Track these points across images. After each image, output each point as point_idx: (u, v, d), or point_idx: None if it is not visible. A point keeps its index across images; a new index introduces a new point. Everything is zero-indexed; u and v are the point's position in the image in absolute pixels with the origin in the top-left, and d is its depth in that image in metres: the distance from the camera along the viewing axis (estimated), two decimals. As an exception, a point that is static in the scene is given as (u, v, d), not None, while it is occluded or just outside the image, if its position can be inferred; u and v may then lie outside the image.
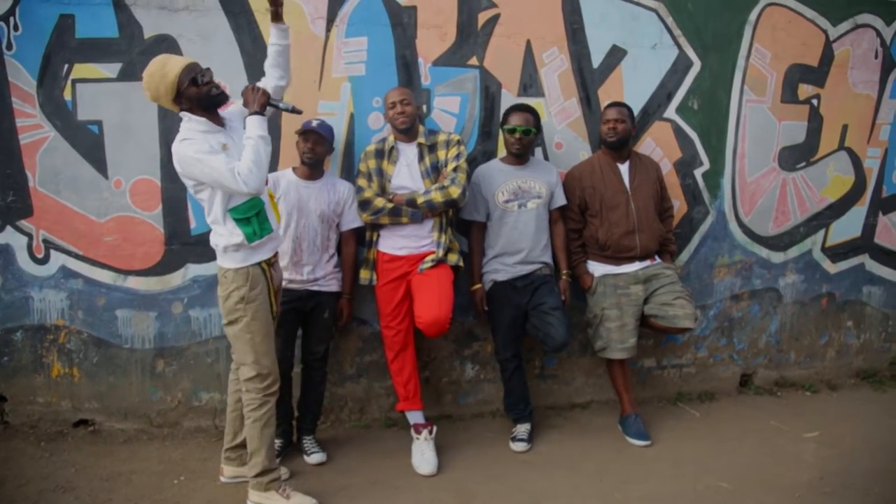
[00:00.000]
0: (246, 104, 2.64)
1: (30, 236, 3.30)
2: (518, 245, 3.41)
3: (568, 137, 3.73)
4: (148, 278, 3.39)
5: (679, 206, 3.92)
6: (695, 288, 3.96)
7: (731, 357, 4.23)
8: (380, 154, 3.26)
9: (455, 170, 3.20)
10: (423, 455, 3.16)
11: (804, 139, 4.14)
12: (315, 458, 3.20)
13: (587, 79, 3.70)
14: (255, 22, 3.28)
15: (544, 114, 3.62)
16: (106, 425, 3.46)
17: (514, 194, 3.40)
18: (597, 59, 3.70)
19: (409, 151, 3.27)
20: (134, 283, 3.38)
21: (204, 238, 2.99)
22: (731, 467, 3.19)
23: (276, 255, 2.83)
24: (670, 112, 3.84)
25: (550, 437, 3.55)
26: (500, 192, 3.40)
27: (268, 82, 2.79)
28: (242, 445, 2.87)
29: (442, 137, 3.30)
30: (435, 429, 3.27)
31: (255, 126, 2.56)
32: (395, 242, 3.28)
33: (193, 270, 3.40)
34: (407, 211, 3.19)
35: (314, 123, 3.12)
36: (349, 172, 3.44)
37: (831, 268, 4.36)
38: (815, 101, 4.11)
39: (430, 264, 3.22)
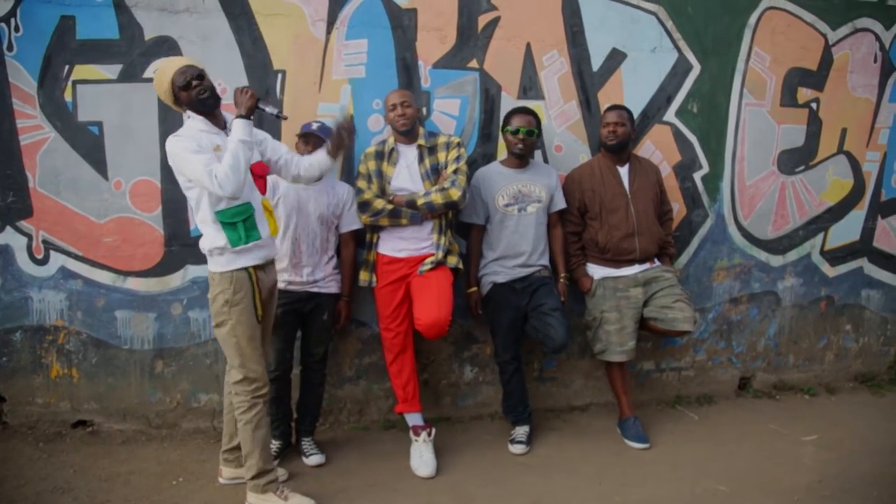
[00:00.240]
0: (236, 105, 2.63)
1: (29, 237, 3.30)
2: (518, 248, 3.41)
3: (567, 140, 3.74)
4: (147, 279, 3.39)
5: (678, 209, 3.92)
6: (694, 291, 3.96)
7: (730, 360, 4.24)
8: (380, 156, 3.26)
9: (455, 172, 3.20)
10: (421, 457, 3.16)
11: (803, 143, 4.14)
12: (314, 459, 3.20)
13: (587, 82, 3.71)
14: (255, 24, 3.29)
15: (544, 117, 3.63)
16: (105, 426, 3.46)
17: (515, 198, 3.41)
18: (597, 62, 3.70)
19: (409, 153, 3.27)
20: (133, 284, 3.38)
21: (203, 240, 3.00)
22: (729, 470, 3.19)
23: (273, 261, 2.83)
24: (670, 115, 3.85)
25: (549, 439, 3.55)
26: (501, 196, 3.40)
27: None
28: (240, 447, 2.86)
29: (442, 139, 3.30)
30: (434, 431, 3.27)
31: (239, 130, 2.54)
32: (394, 244, 3.29)
33: (193, 272, 3.40)
34: (406, 212, 3.20)
35: (314, 126, 3.13)
36: (349, 174, 3.44)
37: (830, 271, 4.37)
38: (814, 105, 4.12)
39: (429, 266, 3.22)
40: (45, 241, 3.32)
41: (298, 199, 3.14)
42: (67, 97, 3.22)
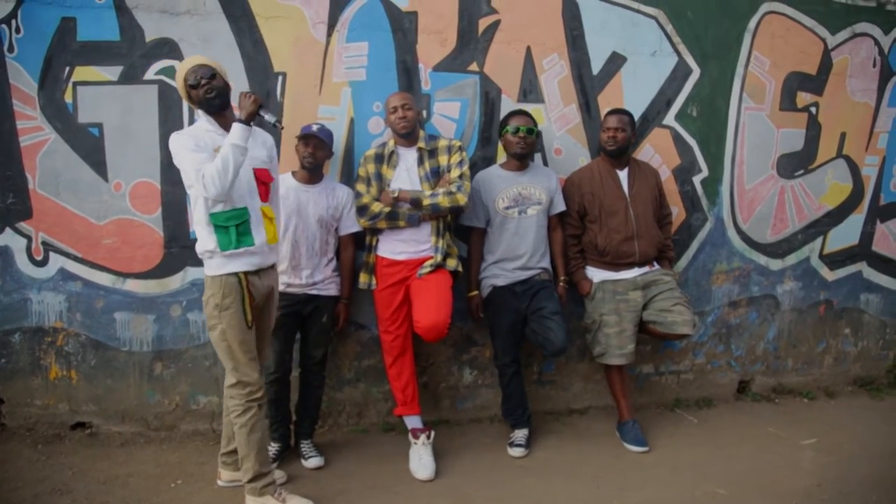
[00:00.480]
0: (238, 108, 2.63)
1: (29, 238, 3.30)
2: (518, 251, 3.41)
3: (567, 143, 3.74)
4: (147, 281, 3.38)
5: (678, 212, 3.93)
6: (693, 294, 3.96)
7: (729, 364, 4.24)
8: (379, 158, 3.27)
9: (460, 177, 3.21)
10: (420, 460, 3.16)
11: (802, 147, 4.15)
12: (313, 462, 3.20)
13: (587, 85, 3.71)
14: (256, 26, 3.29)
15: (543, 119, 3.64)
16: (103, 428, 3.45)
17: (515, 201, 3.41)
18: (597, 66, 3.71)
19: (408, 156, 3.28)
20: (133, 285, 3.38)
21: (203, 241, 2.99)
22: (728, 474, 3.19)
23: (272, 266, 2.81)
24: (669, 119, 3.86)
25: (548, 442, 3.54)
26: (501, 199, 3.41)
27: None
28: (238, 450, 2.87)
29: (443, 143, 3.30)
30: (433, 434, 3.26)
31: (235, 134, 2.53)
32: (394, 247, 3.29)
33: (192, 274, 3.40)
34: (404, 214, 3.20)
35: (314, 128, 3.13)
36: (349, 177, 3.45)
37: (829, 275, 4.37)
38: (813, 109, 4.13)
39: (428, 269, 3.22)
40: (44, 243, 3.31)
41: (298, 202, 3.15)
42: (68, 99, 3.22)
